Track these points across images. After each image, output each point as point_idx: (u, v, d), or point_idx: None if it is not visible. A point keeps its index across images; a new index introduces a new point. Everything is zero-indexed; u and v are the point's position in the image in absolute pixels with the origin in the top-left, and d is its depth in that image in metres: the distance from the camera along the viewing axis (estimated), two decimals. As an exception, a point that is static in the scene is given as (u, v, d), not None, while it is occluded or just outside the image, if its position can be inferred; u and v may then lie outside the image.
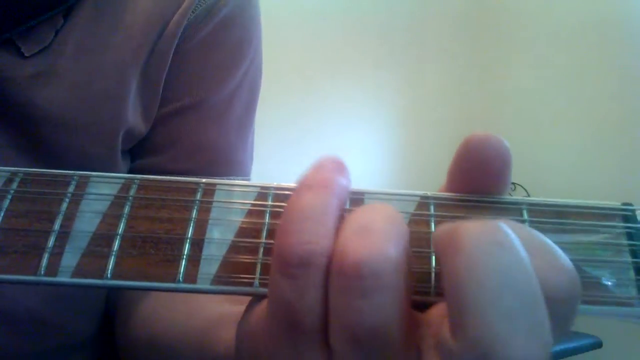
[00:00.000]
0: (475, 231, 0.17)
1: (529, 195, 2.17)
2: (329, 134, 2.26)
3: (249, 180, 0.57)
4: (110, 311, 0.54)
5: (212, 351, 0.35)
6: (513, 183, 2.19)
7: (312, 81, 2.23)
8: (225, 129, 0.54)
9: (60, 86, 0.41)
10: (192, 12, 0.48)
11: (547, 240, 0.19)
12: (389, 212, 0.20)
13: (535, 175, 2.13)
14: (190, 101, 0.51)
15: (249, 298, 0.24)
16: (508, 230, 0.17)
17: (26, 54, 0.39)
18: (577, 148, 2.01)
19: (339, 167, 0.22)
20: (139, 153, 0.51)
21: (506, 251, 0.17)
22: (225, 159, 0.54)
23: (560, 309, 0.17)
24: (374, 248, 0.18)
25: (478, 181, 0.23)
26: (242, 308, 0.30)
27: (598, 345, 1.47)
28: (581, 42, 2.02)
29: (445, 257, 0.18)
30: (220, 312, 0.37)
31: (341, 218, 0.20)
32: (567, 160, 2.05)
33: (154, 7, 0.47)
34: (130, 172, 0.51)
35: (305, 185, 0.21)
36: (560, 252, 0.18)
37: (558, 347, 1.34)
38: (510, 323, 0.16)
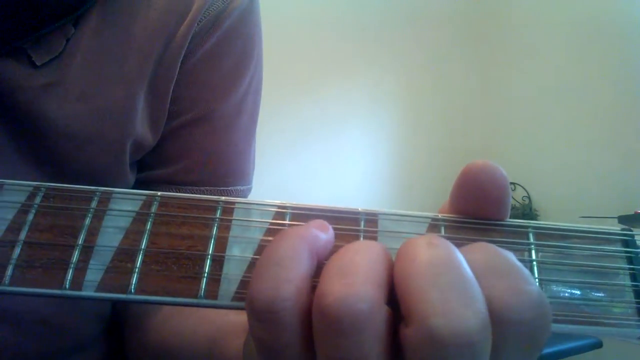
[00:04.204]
0: (413, 239, 0.21)
1: (528, 195, 2.18)
2: (327, 137, 2.26)
3: (251, 187, 0.58)
4: (116, 315, 0.55)
5: (221, 357, 0.35)
6: (513, 183, 2.19)
7: (310, 86, 2.23)
8: (234, 138, 0.54)
9: (68, 97, 0.42)
10: (198, 23, 0.49)
11: (516, 263, 0.20)
12: (372, 249, 0.21)
13: (535, 175, 2.14)
14: (200, 113, 0.51)
15: None
16: (439, 236, 0.21)
17: (37, 63, 0.40)
18: (576, 148, 2.02)
19: (320, 224, 0.23)
20: (150, 164, 0.52)
21: (436, 247, 0.20)
22: (234, 168, 0.55)
23: (521, 330, 0.19)
24: (351, 289, 0.19)
25: (477, 208, 0.24)
26: None
27: (598, 345, 1.48)
28: (581, 42, 2.03)
29: (395, 265, 0.21)
30: (229, 320, 0.37)
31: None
32: (567, 161, 2.05)
33: (160, 19, 0.47)
34: (140, 182, 0.52)
35: (279, 235, 0.22)
36: (526, 275, 0.20)
37: (558, 347, 1.35)
38: (446, 297, 0.18)
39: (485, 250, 0.21)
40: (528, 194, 2.19)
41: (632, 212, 1.44)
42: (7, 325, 0.43)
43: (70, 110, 0.42)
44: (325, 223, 0.23)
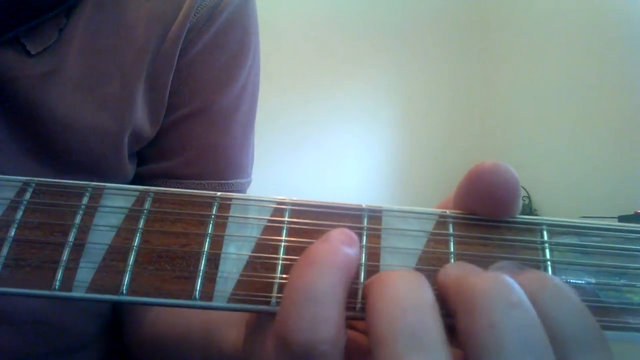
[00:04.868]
0: (487, 288, 0.18)
1: (528, 195, 2.17)
2: (327, 136, 2.26)
3: (250, 180, 0.57)
4: (116, 312, 0.54)
5: (217, 350, 0.35)
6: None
7: (310, 85, 2.24)
8: (233, 131, 0.54)
9: (66, 87, 0.41)
10: (194, 15, 0.48)
11: (600, 329, 0.18)
12: (429, 295, 0.19)
13: (535, 175, 2.13)
14: (199, 106, 0.51)
15: None
16: (517, 287, 0.18)
17: (32, 52, 0.39)
18: (577, 148, 2.01)
19: (347, 238, 0.21)
20: (150, 157, 0.52)
21: (516, 310, 0.17)
22: (233, 161, 0.55)
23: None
24: None
25: (486, 209, 0.23)
26: None
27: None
28: (581, 43, 2.02)
29: (459, 310, 0.18)
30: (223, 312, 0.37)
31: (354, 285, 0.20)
32: (567, 161, 2.05)
33: (154, 10, 0.47)
34: (140, 176, 0.51)
35: (308, 259, 0.20)
36: (609, 347, 0.18)
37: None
38: None
39: (568, 307, 0.18)
40: (528, 194, 2.19)
41: (632, 212, 1.43)
42: (7, 326, 0.43)
43: (69, 100, 0.42)
44: (350, 233, 0.21)
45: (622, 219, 1.48)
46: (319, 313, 0.18)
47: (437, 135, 2.44)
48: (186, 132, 0.51)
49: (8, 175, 0.40)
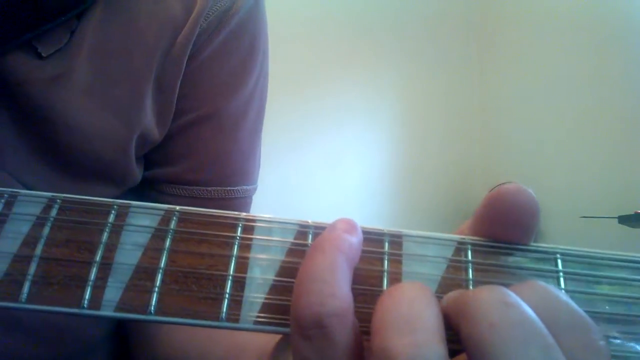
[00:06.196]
0: (479, 295, 0.19)
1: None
2: (328, 137, 2.26)
3: (256, 187, 0.57)
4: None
5: None
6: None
7: (310, 87, 2.23)
8: (240, 138, 0.54)
9: (75, 90, 0.41)
10: (205, 19, 0.48)
11: (579, 311, 0.19)
12: (427, 296, 0.20)
13: (535, 176, 2.14)
14: (207, 111, 0.51)
15: None
16: (507, 291, 0.19)
17: (43, 55, 0.40)
18: (576, 148, 2.01)
19: (349, 227, 0.23)
20: (157, 162, 0.51)
21: (514, 308, 0.18)
22: (240, 167, 0.55)
23: None
24: (421, 351, 0.18)
25: (504, 232, 0.24)
26: (264, 338, 0.30)
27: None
28: (580, 43, 2.02)
29: (460, 321, 0.19)
30: (240, 341, 0.37)
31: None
32: (567, 161, 2.05)
33: (165, 14, 0.46)
34: (146, 180, 0.51)
35: (314, 247, 0.22)
36: (594, 326, 0.19)
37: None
38: None
39: (544, 296, 0.20)
40: (528, 194, 2.19)
41: (632, 212, 1.43)
42: (19, 333, 0.43)
43: (78, 104, 0.42)
44: (353, 222, 0.23)
45: (622, 219, 1.48)
46: (326, 289, 0.20)
47: (438, 136, 2.44)
48: (193, 138, 0.51)
49: (18, 177, 0.40)
